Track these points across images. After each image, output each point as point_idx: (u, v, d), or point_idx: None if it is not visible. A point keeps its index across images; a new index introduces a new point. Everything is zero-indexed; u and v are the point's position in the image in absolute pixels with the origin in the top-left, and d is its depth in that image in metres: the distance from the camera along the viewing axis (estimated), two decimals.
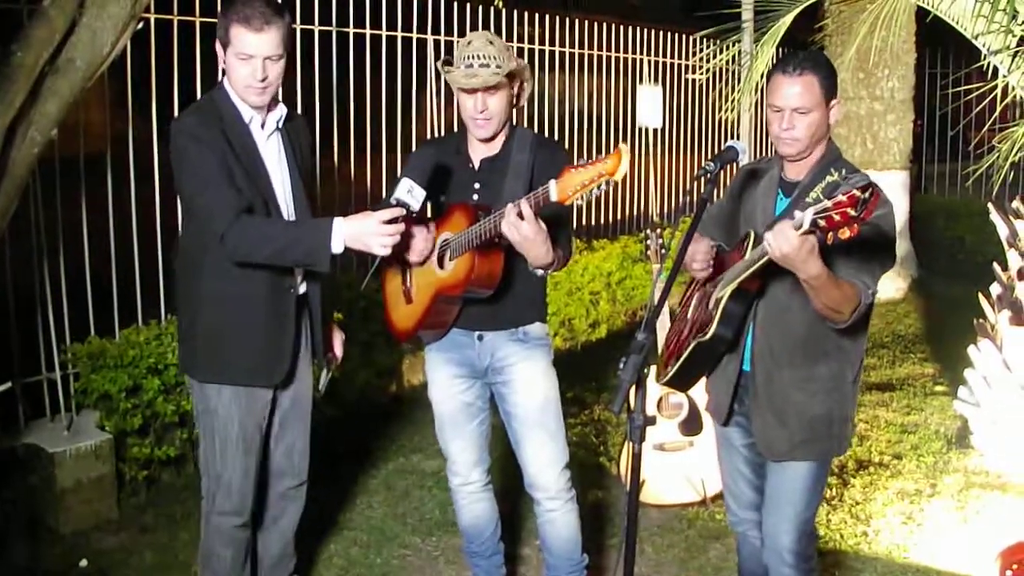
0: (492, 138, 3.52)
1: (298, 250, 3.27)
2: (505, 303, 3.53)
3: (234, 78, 3.34)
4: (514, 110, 3.58)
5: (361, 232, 3.18)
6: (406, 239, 3.36)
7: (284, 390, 3.67)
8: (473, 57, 3.35)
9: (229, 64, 3.33)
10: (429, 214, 3.75)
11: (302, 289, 3.57)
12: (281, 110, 3.50)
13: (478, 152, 3.58)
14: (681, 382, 3.36)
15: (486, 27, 7.29)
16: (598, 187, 2.95)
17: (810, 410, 3.12)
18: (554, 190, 3.02)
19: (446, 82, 3.52)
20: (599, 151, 8.61)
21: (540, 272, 3.35)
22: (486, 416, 3.79)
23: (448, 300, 3.49)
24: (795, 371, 3.11)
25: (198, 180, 3.29)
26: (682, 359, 3.19)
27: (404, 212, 3.18)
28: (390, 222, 3.16)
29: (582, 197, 2.99)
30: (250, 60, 3.28)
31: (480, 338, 3.62)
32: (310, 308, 3.64)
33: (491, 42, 3.40)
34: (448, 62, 3.45)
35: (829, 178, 3.03)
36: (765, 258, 2.76)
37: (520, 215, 3.10)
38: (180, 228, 3.56)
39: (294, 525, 3.90)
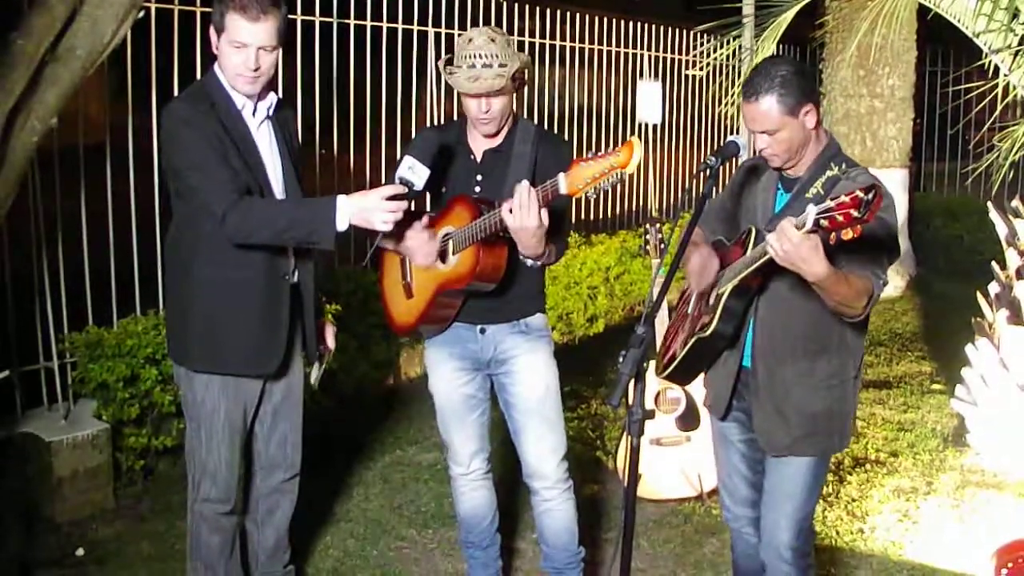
0: (496, 133, 3.52)
1: (302, 228, 3.25)
2: (507, 296, 3.54)
3: (225, 65, 3.32)
4: (514, 97, 3.56)
5: (363, 208, 3.17)
6: (408, 222, 3.35)
7: (276, 382, 3.67)
8: (475, 57, 3.31)
9: (222, 50, 3.30)
10: (429, 206, 3.75)
11: (294, 278, 3.55)
12: (272, 98, 3.48)
13: (480, 144, 3.56)
14: (682, 377, 3.37)
15: (486, 20, 7.29)
16: (609, 180, 2.94)
17: (811, 405, 3.12)
18: (563, 183, 3.02)
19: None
20: (599, 146, 8.63)
21: (529, 262, 3.33)
22: (487, 407, 3.80)
23: (451, 294, 3.49)
24: (796, 366, 3.11)
25: (193, 162, 3.27)
26: (683, 354, 3.19)
27: (406, 189, 3.18)
28: (393, 199, 3.16)
29: (593, 190, 2.98)
30: (243, 49, 3.26)
31: (483, 331, 3.62)
32: (302, 298, 3.62)
33: (493, 40, 3.34)
34: (449, 60, 3.43)
35: (829, 172, 3.03)
36: (766, 257, 2.75)
37: (522, 203, 3.08)
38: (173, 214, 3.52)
39: (288, 518, 3.91)
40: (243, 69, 3.29)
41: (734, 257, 3.07)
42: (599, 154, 2.97)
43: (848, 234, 2.47)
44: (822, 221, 2.49)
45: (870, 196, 2.40)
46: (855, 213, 2.41)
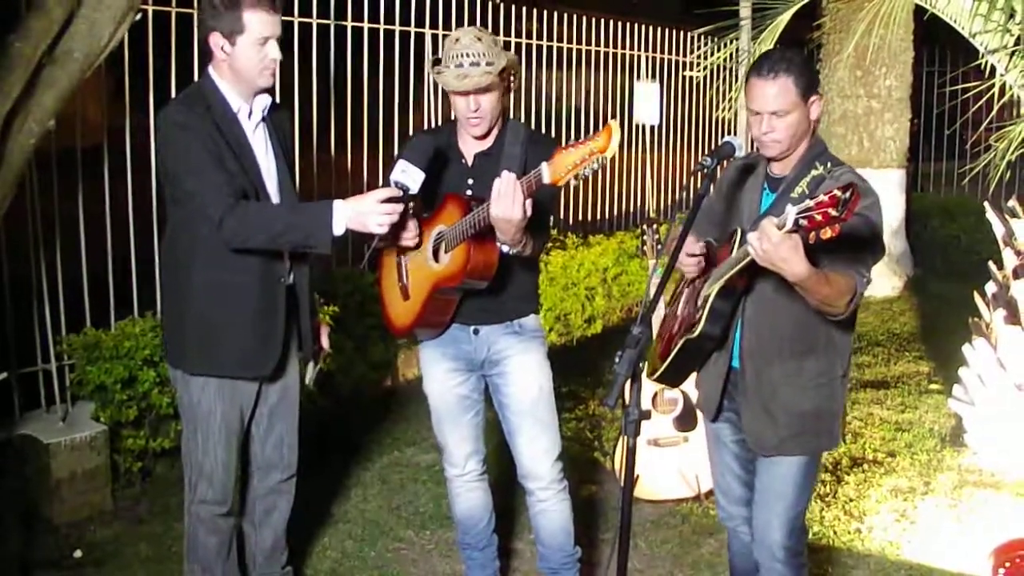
0: (486, 134, 3.53)
1: (298, 233, 3.27)
2: (500, 297, 3.54)
3: (249, 64, 3.32)
4: (504, 97, 3.55)
5: (359, 211, 3.18)
6: (404, 225, 3.36)
7: (272, 384, 3.67)
8: (462, 56, 3.33)
9: (242, 52, 3.30)
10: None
11: (290, 280, 3.56)
12: (266, 99, 3.49)
13: (470, 147, 3.57)
14: (671, 378, 3.38)
15: (483, 22, 7.30)
16: (591, 166, 2.95)
17: (799, 405, 3.13)
18: (546, 172, 3.02)
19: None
20: None
21: (505, 248, 3.31)
22: (481, 408, 3.81)
23: (446, 292, 3.49)
24: (784, 366, 3.12)
25: (189, 166, 3.28)
26: (671, 356, 3.20)
27: (401, 193, 3.19)
28: (388, 202, 3.17)
29: (575, 177, 2.99)
30: (267, 42, 3.30)
31: (476, 332, 3.63)
32: (298, 300, 3.63)
33: (479, 38, 3.36)
34: (438, 61, 3.44)
35: (814, 172, 3.04)
36: (749, 258, 2.76)
37: (505, 192, 3.09)
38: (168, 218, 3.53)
39: (285, 518, 3.91)
40: (270, 62, 3.34)
41: (722, 258, 3.07)
42: (579, 141, 2.99)
43: (827, 233, 2.47)
44: (801, 220, 2.50)
45: (848, 195, 2.40)
46: (833, 212, 2.42)
